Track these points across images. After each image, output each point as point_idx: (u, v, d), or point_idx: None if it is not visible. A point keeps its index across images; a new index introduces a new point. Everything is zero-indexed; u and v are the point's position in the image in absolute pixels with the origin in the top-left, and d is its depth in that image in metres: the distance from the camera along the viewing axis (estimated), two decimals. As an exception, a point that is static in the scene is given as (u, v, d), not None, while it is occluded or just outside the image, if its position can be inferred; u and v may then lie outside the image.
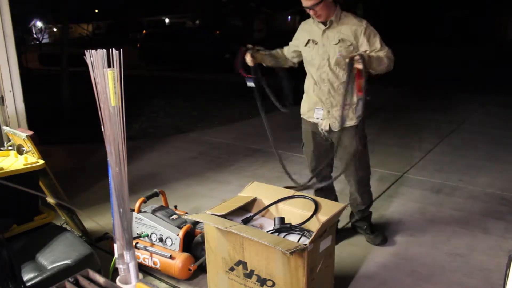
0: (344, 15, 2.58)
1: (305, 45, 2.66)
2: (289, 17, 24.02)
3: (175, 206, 2.86)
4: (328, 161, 2.89)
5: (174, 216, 2.60)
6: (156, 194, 2.77)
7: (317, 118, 2.71)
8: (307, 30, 2.69)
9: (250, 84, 2.64)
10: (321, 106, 2.68)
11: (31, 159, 2.51)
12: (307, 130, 2.83)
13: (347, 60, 2.42)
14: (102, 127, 1.29)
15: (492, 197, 3.66)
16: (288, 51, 2.84)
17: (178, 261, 2.40)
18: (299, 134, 2.92)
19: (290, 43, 2.83)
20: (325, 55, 2.59)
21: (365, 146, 2.76)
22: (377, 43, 2.52)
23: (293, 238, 2.04)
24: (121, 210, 1.31)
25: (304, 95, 2.84)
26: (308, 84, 2.76)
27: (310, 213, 2.14)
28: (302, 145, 2.91)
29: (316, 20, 2.58)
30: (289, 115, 3.51)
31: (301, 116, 2.86)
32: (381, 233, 2.93)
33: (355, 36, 2.53)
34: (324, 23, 2.58)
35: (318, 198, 2.25)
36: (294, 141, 5.27)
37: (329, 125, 2.68)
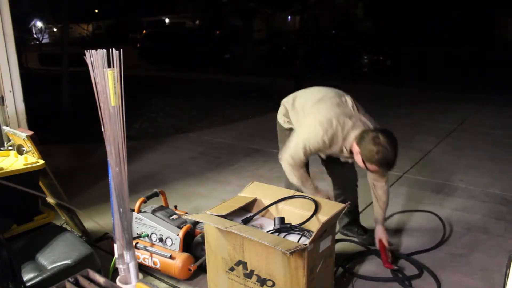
0: None
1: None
2: (289, 17, 24.02)
3: (175, 206, 2.86)
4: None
5: (174, 216, 2.60)
6: (156, 194, 2.76)
7: None
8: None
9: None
10: None
11: (31, 159, 2.50)
12: None
13: None
14: (102, 127, 1.29)
15: (492, 197, 3.66)
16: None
17: (178, 261, 2.40)
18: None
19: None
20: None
21: None
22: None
23: (293, 238, 2.04)
24: (121, 210, 1.32)
25: None
26: None
27: (310, 213, 2.14)
28: None
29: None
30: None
31: None
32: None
33: None
34: None
35: (318, 198, 2.25)
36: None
37: None
